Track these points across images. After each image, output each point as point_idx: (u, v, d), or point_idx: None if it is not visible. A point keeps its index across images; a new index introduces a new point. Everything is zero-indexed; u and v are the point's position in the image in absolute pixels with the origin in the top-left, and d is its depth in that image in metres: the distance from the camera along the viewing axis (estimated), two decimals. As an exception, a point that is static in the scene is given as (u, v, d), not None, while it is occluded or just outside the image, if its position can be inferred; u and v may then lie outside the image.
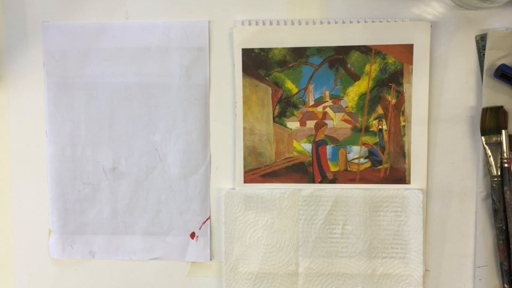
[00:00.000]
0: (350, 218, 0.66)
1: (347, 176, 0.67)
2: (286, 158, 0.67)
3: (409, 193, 0.65)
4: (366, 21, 0.65)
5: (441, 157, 0.66)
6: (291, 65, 0.66)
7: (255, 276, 0.67)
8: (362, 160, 0.67)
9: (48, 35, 0.68)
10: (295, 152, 0.67)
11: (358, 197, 0.66)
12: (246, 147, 0.67)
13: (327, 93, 0.66)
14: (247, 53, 0.66)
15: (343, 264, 0.66)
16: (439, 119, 0.66)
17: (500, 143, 0.63)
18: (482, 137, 0.64)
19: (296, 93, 0.67)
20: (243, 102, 0.67)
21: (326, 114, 0.67)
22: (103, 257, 0.70)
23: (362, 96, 0.66)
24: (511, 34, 0.64)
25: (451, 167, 0.66)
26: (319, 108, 0.67)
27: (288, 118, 0.67)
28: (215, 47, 0.67)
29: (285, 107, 0.67)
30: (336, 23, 0.66)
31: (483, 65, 0.64)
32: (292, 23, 0.66)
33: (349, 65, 0.66)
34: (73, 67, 0.68)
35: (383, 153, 0.66)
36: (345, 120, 0.66)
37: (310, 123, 0.67)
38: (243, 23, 0.67)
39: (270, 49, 0.66)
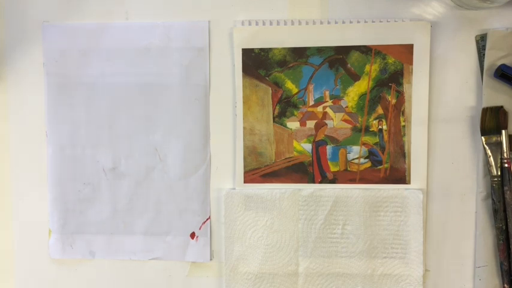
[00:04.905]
0: (350, 218, 0.66)
1: (347, 176, 0.67)
2: (286, 158, 0.67)
3: (409, 193, 0.65)
4: (366, 21, 0.65)
5: (441, 157, 0.66)
6: (291, 65, 0.66)
7: (255, 276, 0.67)
8: (362, 160, 0.67)
9: (48, 35, 0.68)
10: (295, 152, 0.67)
11: (358, 197, 0.66)
12: (246, 147, 0.67)
13: (327, 93, 0.66)
14: (247, 53, 0.66)
15: (343, 264, 0.66)
16: (439, 119, 0.66)
17: (500, 143, 0.63)
18: (482, 137, 0.64)
19: (296, 93, 0.67)
20: (243, 102, 0.67)
21: (326, 114, 0.67)
22: (103, 257, 0.70)
23: (362, 96, 0.66)
24: (511, 34, 0.64)
25: (451, 167, 0.66)
26: (319, 108, 0.67)
27: (288, 118, 0.67)
28: (215, 47, 0.67)
29: (285, 107, 0.67)
30: (336, 23, 0.66)
31: (483, 65, 0.64)
32: (292, 23, 0.66)
33: (349, 65, 0.66)
34: (73, 67, 0.68)
35: (383, 153, 0.66)
36: (345, 120, 0.66)
37: (310, 123, 0.67)
38: (243, 23, 0.67)
39: (270, 49, 0.66)
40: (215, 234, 0.69)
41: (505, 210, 0.63)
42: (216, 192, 0.68)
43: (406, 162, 0.66)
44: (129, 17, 0.68)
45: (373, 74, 0.66)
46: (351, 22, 0.65)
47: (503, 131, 0.63)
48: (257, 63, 0.66)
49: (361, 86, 0.66)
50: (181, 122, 0.68)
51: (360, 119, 0.66)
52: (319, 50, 0.66)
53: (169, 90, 0.68)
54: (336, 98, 0.66)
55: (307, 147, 0.67)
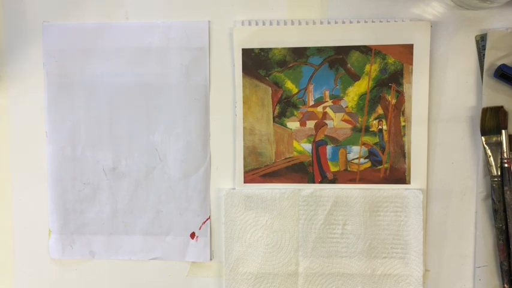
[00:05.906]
0: (350, 218, 0.66)
1: (347, 176, 0.67)
2: (286, 158, 0.67)
3: (409, 193, 0.65)
4: (366, 21, 0.65)
5: (441, 157, 0.66)
6: (291, 65, 0.66)
7: (255, 277, 0.67)
8: (362, 160, 0.67)
9: (48, 35, 0.68)
10: (295, 152, 0.67)
11: (358, 197, 0.66)
12: (246, 147, 0.67)
13: (327, 93, 0.66)
14: (247, 53, 0.66)
15: (343, 264, 0.66)
16: (439, 119, 0.66)
17: (500, 143, 0.63)
18: (482, 137, 0.64)
19: (296, 93, 0.67)
20: (243, 102, 0.67)
21: (326, 114, 0.67)
22: (103, 257, 0.70)
23: (362, 96, 0.66)
24: (511, 34, 0.64)
25: (451, 167, 0.66)
26: (319, 108, 0.67)
27: (288, 118, 0.67)
28: (215, 47, 0.67)
29: (285, 107, 0.67)
30: (336, 23, 0.66)
31: (483, 65, 0.64)
32: (292, 23, 0.66)
33: (349, 65, 0.66)
34: (73, 67, 0.68)
35: (383, 153, 0.66)
36: (345, 120, 0.66)
37: (310, 123, 0.67)
38: (243, 23, 0.67)
39: (270, 49, 0.66)
40: (215, 234, 0.69)
41: (505, 210, 0.63)
42: (216, 192, 0.68)
43: (406, 162, 0.66)
44: (129, 17, 0.68)
45: (373, 74, 0.66)
46: (351, 22, 0.65)
47: (503, 131, 0.63)
48: (257, 63, 0.66)
49: (361, 86, 0.66)
50: (181, 122, 0.68)
51: (360, 119, 0.66)
52: (319, 50, 0.66)
53: (169, 90, 0.68)
54: (336, 98, 0.66)
55: (307, 147, 0.67)
